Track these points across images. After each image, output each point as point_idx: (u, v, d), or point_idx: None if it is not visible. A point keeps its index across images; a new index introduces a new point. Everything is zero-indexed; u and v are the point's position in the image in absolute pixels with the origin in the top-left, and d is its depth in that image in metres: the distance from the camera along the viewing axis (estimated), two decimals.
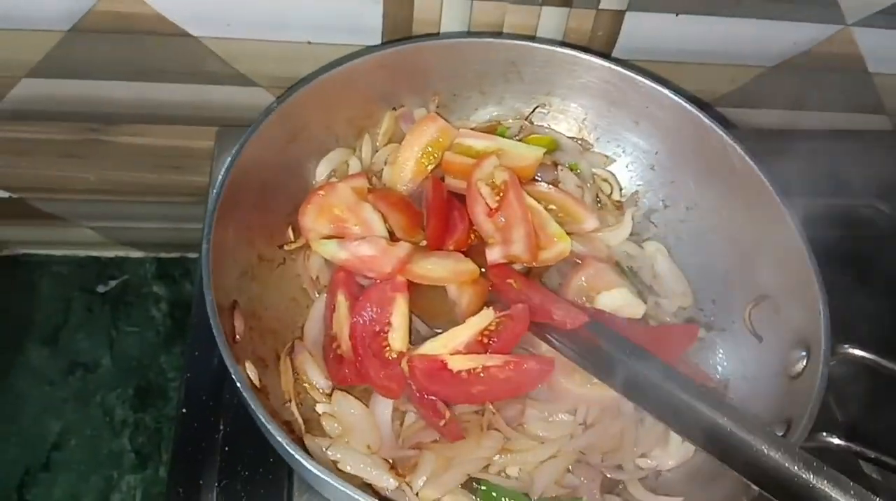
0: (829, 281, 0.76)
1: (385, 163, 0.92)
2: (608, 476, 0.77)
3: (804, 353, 0.74)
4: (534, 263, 0.85)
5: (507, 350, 0.77)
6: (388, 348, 0.76)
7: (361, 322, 0.77)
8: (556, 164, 0.95)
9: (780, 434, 0.69)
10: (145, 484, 1.24)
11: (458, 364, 0.75)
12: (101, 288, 1.41)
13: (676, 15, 1.02)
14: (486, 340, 0.77)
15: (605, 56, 0.97)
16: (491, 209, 0.85)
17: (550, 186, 0.91)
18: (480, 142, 0.91)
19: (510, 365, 0.75)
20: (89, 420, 1.28)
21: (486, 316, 0.77)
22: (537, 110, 0.97)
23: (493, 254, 0.83)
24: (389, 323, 0.77)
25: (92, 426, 1.28)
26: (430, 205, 0.86)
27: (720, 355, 0.86)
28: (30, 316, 1.37)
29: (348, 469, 0.69)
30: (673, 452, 0.79)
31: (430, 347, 0.75)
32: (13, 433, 1.27)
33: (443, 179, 0.90)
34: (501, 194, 0.86)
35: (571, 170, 0.95)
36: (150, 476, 1.25)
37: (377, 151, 0.93)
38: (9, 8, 0.95)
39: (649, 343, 0.78)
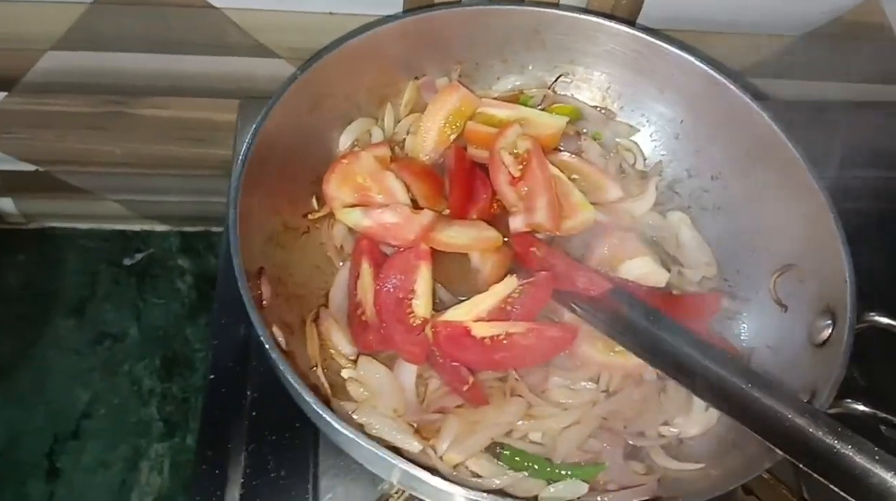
0: (855, 250, 0.75)
1: (407, 133, 0.92)
2: (630, 442, 0.77)
3: (829, 321, 0.74)
4: (557, 232, 0.85)
5: (531, 317, 0.77)
6: (412, 315, 0.77)
7: (386, 289, 0.78)
8: (579, 134, 0.94)
9: (805, 401, 0.69)
10: (173, 452, 1.27)
11: (481, 330, 0.75)
12: (127, 261, 1.43)
13: None
14: (509, 308, 0.77)
15: (630, 23, 0.96)
16: (514, 178, 0.85)
17: (573, 156, 0.91)
18: (503, 111, 0.90)
19: (533, 332, 0.76)
20: (117, 389, 1.31)
21: (509, 284, 0.77)
22: (560, 79, 0.96)
23: (516, 223, 0.83)
24: (413, 291, 0.78)
25: (120, 395, 1.31)
26: (452, 174, 0.86)
27: (744, 325, 0.86)
28: (57, 288, 1.39)
29: (374, 431, 0.70)
30: (695, 420, 0.79)
31: (453, 314, 0.76)
32: (42, 402, 1.30)
33: (465, 149, 0.90)
34: (524, 163, 0.86)
35: (595, 139, 0.94)
36: (178, 445, 1.27)
37: (399, 121, 0.93)
38: None
39: (673, 311, 0.78)
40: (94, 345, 1.34)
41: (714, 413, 0.77)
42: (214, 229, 1.47)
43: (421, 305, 0.77)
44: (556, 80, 0.96)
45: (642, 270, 0.84)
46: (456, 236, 0.80)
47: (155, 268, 1.43)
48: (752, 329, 0.85)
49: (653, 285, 0.85)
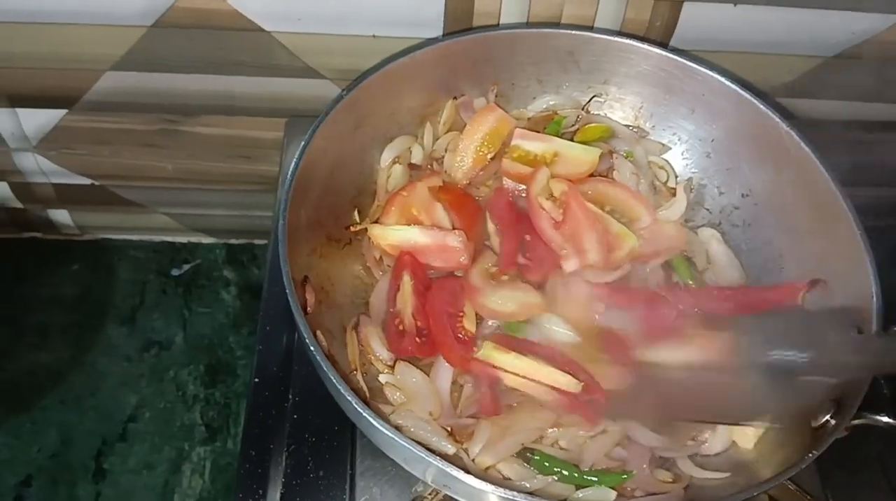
0: (883, 267, 0.77)
1: (446, 151, 0.96)
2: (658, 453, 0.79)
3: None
4: (609, 267, 0.87)
5: None
6: (462, 329, 0.81)
7: (438, 305, 0.82)
8: (611, 153, 0.97)
9: (829, 412, 0.71)
10: (215, 456, 1.31)
11: (512, 382, 0.78)
12: (174, 272, 1.49)
13: (735, 4, 1.02)
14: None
15: (663, 45, 0.99)
16: (556, 222, 0.87)
17: (605, 180, 0.94)
18: (536, 146, 0.92)
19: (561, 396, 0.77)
20: (163, 394, 1.36)
21: (572, 384, 0.76)
22: (594, 99, 1.00)
23: (569, 266, 0.85)
24: (463, 311, 0.82)
25: (165, 400, 1.35)
26: (500, 223, 0.89)
27: None
28: (109, 297, 1.45)
29: (410, 433, 0.73)
30: (720, 437, 0.80)
31: (499, 359, 0.78)
32: (92, 406, 1.35)
33: (507, 191, 0.93)
34: (563, 206, 0.88)
35: (627, 157, 0.97)
36: (220, 449, 1.31)
37: (438, 138, 0.97)
38: (95, 5, 1.01)
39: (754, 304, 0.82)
40: (143, 352, 1.40)
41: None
42: (258, 242, 1.52)
43: (469, 322, 0.81)
44: (589, 101, 0.99)
45: None
46: (503, 303, 0.82)
47: (201, 279, 1.49)
48: None
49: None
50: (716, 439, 0.79)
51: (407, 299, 0.83)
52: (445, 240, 0.85)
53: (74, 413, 1.33)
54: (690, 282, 0.90)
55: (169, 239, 1.51)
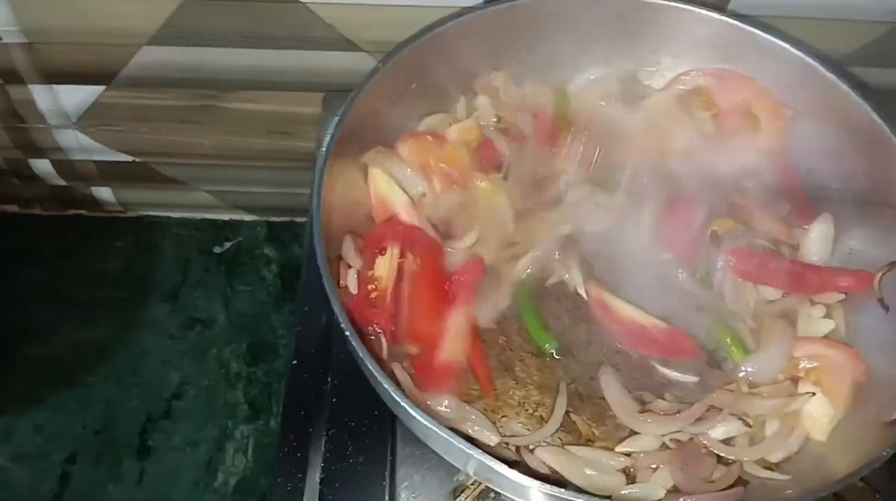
0: None
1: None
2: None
3: None
4: None
5: None
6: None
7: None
8: None
9: None
10: (258, 434, 1.31)
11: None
12: (217, 250, 1.48)
13: None
14: None
15: (721, 9, 0.92)
16: None
17: None
18: None
19: None
20: (206, 372, 1.36)
21: None
22: (646, 68, 0.94)
23: None
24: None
25: (209, 378, 1.35)
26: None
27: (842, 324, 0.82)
28: (152, 274, 1.46)
29: (452, 421, 0.70)
30: (796, 436, 0.74)
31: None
32: (136, 383, 1.36)
33: None
34: None
35: None
36: (262, 427, 1.31)
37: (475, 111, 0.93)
38: None
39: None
40: (186, 330, 1.40)
41: (796, 440, 0.74)
42: (299, 219, 1.51)
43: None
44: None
45: None
46: None
47: (243, 257, 1.48)
48: (851, 329, 0.81)
49: None
50: (793, 437, 0.74)
51: (388, 271, 0.78)
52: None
53: (119, 389, 1.34)
54: None
55: (211, 216, 1.51)
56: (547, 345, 0.78)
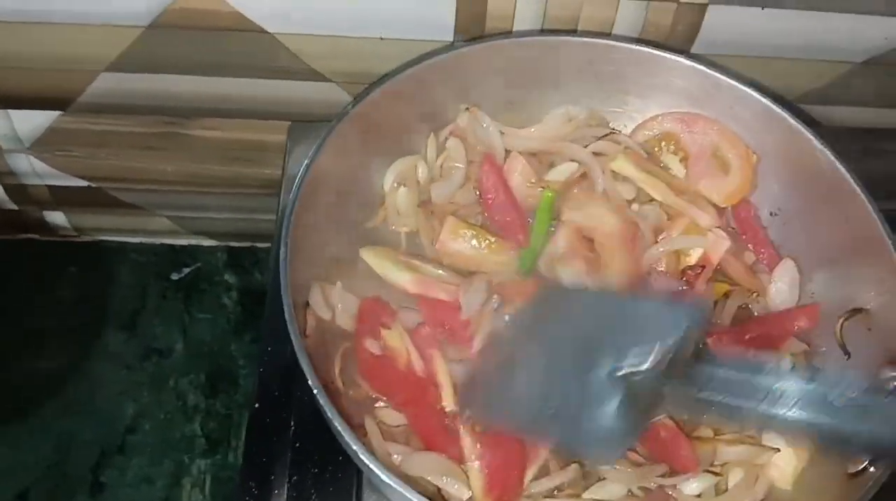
0: None
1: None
2: None
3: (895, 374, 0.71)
4: None
5: None
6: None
7: None
8: None
9: (866, 459, 0.66)
10: (215, 469, 1.27)
11: None
12: (174, 276, 1.45)
13: (762, 8, 0.97)
14: None
15: (686, 53, 0.94)
16: None
17: None
18: None
19: None
20: (163, 404, 1.32)
21: None
22: (614, 109, 0.95)
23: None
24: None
25: (165, 410, 1.32)
26: None
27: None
28: (108, 301, 1.41)
29: (416, 472, 0.69)
30: (761, 484, 0.75)
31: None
32: (90, 415, 1.31)
33: None
34: None
35: None
36: (220, 461, 1.28)
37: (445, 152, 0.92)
38: (90, 4, 0.97)
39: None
40: (142, 360, 1.36)
41: (761, 488, 0.74)
42: (260, 245, 1.48)
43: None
44: (604, 137, 0.93)
45: None
46: None
47: (202, 283, 1.44)
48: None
49: None
50: (758, 486, 0.74)
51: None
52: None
53: (72, 422, 1.30)
54: None
55: (169, 241, 1.47)
56: None
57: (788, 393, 0.53)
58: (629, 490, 0.73)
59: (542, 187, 0.88)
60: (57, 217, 1.40)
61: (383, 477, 0.59)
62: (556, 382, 0.62)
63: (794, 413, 0.53)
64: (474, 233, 0.85)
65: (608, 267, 0.83)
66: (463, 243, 0.84)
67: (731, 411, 0.56)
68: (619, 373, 0.56)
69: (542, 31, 0.97)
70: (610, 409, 0.56)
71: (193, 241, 1.48)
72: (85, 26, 1.00)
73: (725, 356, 0.64)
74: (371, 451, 0.61)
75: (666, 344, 0.56)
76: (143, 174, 1.27)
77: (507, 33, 0.97)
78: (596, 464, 0.70)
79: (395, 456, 0.71)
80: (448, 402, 0.74)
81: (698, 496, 0.72)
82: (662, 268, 0.85)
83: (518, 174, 0.89)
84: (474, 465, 0.68)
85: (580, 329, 0.64)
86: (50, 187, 1.30)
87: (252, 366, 1.35)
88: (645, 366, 0.56)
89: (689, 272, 0.84)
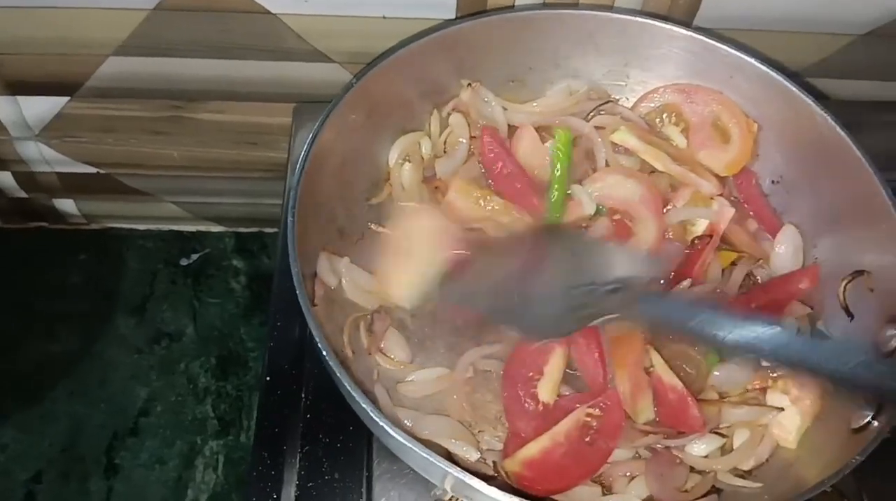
0: None
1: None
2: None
3: None
4: None
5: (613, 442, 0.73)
6: (532, 396, 0.75)
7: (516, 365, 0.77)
8: None
9: (870, 413, 0.67)
10: (227, 450, 1.29)
11: None
12: (183, 262, 1.46)
13: None
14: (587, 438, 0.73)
15: (687, 25, 0.94)
16: None
17: None
18: None
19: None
20: (174, 387, 1.34)
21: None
22: (615, 82, 0.95)
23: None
24: (542, 372, 0.76)
25: (176, 393, 1.33)
26: None
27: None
28: (117, 287, 1.43)
29: (426, 435, 0.70)
30: (766, 444, 0.76)
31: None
32: (102, 399, 1.33)
33: None
34: None
35: None
36: (232, 442, 1.30)
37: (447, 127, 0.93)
38: None
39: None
40: (153, 344, 1.38)
41: (766, 448, 0.75)
42: (267, 230, 1.50)
43: (546, 389, 0.75)
44: (595, 109, 0.94)
45: None
46: None
47: (210, 269, 1.46)
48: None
49: None
50: (763, 446, 0.75)
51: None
52: None
53: (84, 406, 1.32)
54: None
55: (177, 228, 1.48)
56: None
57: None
58: (636, 452, 0.74)
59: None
60: (66, 204, 1.41)
61: (394, 435, 0.60)
62: (529, 284, 0.74)
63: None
64: (481, 193, 0.86)
65: (640, 234, 0.85)
66: (469, 202, 0.85)
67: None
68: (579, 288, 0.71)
69: (545, 5, 0.97)
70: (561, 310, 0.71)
71: (202, 227, 1.49)
72: (91, 10, 1.01)
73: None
74: (378, 410, 0.62)
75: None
76: (151, 159, 1.28)
77: (509, 8, 0.98)
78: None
79: (406, 421, 0.72)
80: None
81: (705, 456, 0.73)
82: (671, 236, 0.85)
83: (527, 144, 0.89)
84: None
85: (559, 253, 0.78)
86: (59, 174, 1.32)
87: (261, 349, 1.37)
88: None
89: (698, 242, 0.85)
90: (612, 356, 0.77)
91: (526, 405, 0.74)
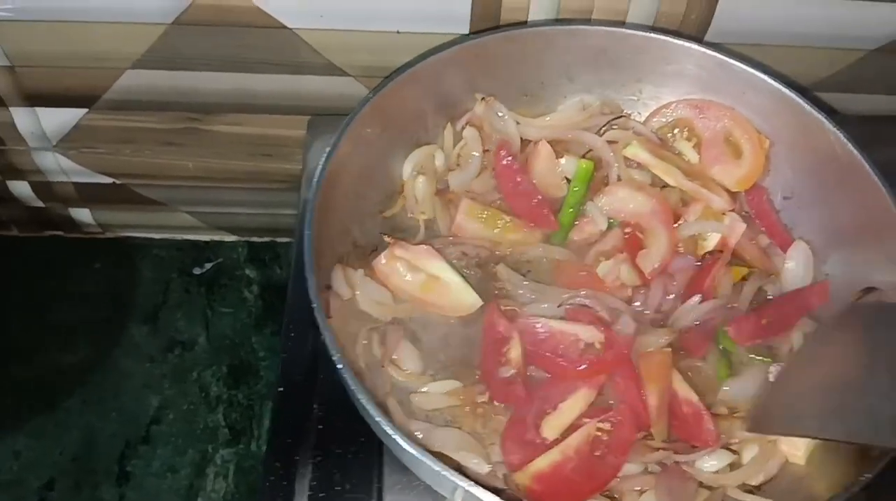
0: None
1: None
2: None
3: None
4: None
5: (623, 457, 0.73)
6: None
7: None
8: None
9: None
10: (238, 458, 1.30)
11: None
12: (197, 271, 1.47)
13: None
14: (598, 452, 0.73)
15: (699, 40, 0.95)
16: None
17: None
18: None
19: None
20: (186, 395, 1.35)
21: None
22: (628, 97, 0.96)
23: None
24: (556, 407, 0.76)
25: (189, 401, 1.34)
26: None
27: None
28: (131, 296, 1.44)
29: (438, 447, 0.71)
30: (776, 460, 0.76)
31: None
32: (115, 407, 1.34)
33: None
34: None
35: None
36: (243, 451, 1.30)
37: (462, 141, 0.94)
38: (115, 2, 1.00)
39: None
40: (166, 352, 1.39)
41: (775, 464, 0.75)
42: (280, 240, 1.51)
43: (552, 426, 0.74)
44: (608, 123, 0.94)
45: None
46: None
47: (223, 278, 1.47)
48: None
49: None
50: (772, 461, 0.75)
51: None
52: None
53: (97, 414, 1.33)
54: None
55: (191, 237, 1.50)
56: None
57: None
58: (646, 467, 0.74)
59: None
60: (82, 214, 1.43)
61: (406, 448, 0.61)
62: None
63: None
64: (489, 213, 0.86)
65: (651, 247, 0.85)
66: (478, 223, 0.86)
67: None
68: None
69: (557, 21, 0.98)
70: None
71: (215, 237, 1.50)
72: (110, 24, 1.03)
73: None
74: (391, 423, 0.62)
75: None
76: (166, 170, 1.29)
77: (522, 23, 0.99)
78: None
79: (418, 433, 0.72)
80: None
81: (715, 472, 0.73)
82: (682, 250, 0.86)
83: (543, 161, 0.90)
84: None
85: None
86: (75, 184, 1.33)
87: (273, 359, 1.38)
88: None
89: (709, 256, 0.86)
90: (641, 371, 0.77)
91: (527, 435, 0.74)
